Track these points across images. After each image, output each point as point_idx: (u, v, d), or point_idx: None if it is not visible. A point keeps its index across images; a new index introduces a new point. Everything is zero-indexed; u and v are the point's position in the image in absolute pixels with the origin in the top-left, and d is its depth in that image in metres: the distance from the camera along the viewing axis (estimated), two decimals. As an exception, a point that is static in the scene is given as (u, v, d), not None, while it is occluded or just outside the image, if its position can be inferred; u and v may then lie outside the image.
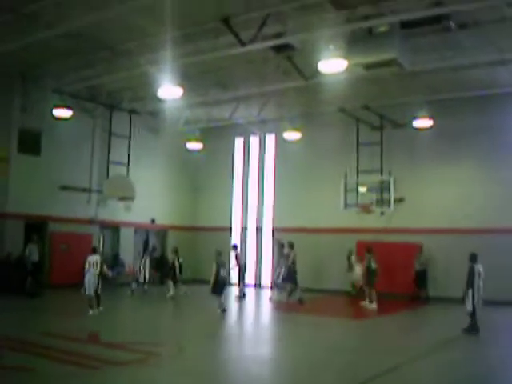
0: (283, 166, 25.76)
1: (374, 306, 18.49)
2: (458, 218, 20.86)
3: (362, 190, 22.29)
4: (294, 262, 19.05)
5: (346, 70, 14.63)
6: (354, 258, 21.25)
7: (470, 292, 13.24)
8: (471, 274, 13.35)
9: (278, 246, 20.17)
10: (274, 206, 26.08)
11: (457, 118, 20.90)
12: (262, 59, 17.11)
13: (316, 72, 16.21)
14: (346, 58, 13.73)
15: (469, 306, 13.26)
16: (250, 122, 24.37)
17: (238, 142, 27.75)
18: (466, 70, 17.45)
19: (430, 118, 19.74)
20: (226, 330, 14.72)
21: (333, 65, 14.00)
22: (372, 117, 22.20)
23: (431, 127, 20.15)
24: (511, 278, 19.34)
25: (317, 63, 14.27)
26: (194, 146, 24.79)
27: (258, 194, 26.85)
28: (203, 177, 28.08)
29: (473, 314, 13.32)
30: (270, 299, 20.52)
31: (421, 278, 20.86)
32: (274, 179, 26.18)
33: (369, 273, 19.02)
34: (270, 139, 26.52)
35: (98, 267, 15.01)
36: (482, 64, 16.78)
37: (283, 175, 25.69)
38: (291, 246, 19.39)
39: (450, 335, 13.39)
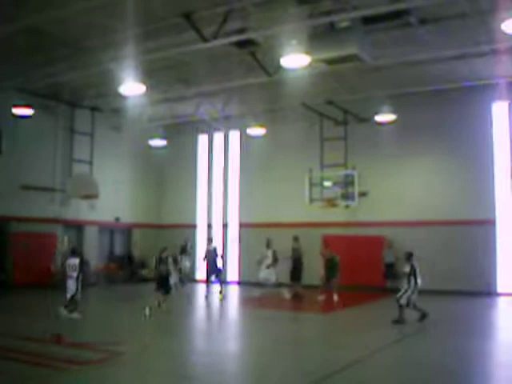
0: (248, 161, 25.76)
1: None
2: (421, 210, 21.27)
3: (327, 184, 22.41)
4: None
5: (309, 65, 14.66)
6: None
7: (406, 287, 13.91)
8: (414, 271, 13.94)
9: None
10: (239, 202, 26.06)
11: (419, 112, 21.17)
12: (225, 55, 17.04)
13: (279, 67, 16.22)
14: (308, 53, 13.76)
15: (403, 300, 13.87)
16: (213, 118, 24.27)
17: (202, 139, 27.65)
18: (427, 65, 17.67)
19: (393, 112, 19.96)
20: (192, 326, 14.68)
21: (295, 60, 14.01)
22: (336, 112, 22.32)
23: (394, 121, 20.38)
24: (471, 269, 19.83)
25: (280, 59, 14.27)
26: (158, 142, 24.61)
27: (223, 190, 26.80)
28: (168, 174, 27.92)
29: (406, 306, 13.90)
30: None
31: (390, 271, 21.13)
32: (239, 175, 26.16)
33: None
34: (235, 135, 26.48)
35: (77, 270, 14.41)
36: (442, 59, 17.02)
37: (248, 171, 25.68)
38: (297, 238, 19.51)
39: (413, 327, 13.62)
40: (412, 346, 11.46)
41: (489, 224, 20.31)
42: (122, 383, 8.64)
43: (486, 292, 19.74)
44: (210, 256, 20.11)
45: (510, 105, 20.57)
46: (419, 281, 13.91)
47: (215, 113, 23.44)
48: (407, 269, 14.00)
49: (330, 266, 18.76)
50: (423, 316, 13.91)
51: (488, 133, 20.79)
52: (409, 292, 13.86)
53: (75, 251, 15.37)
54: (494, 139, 20.78)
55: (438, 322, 13.92)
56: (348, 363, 9.51)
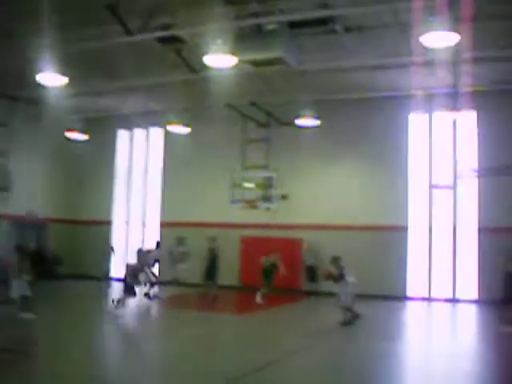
0: (170, 159, 25.48)
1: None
2: (340, 215, 21.71)
3: (249, 185, 22.45)
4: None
5: (235, 66, 14.65)
6: None
7: (339, 290, 14.18)
8: (342, 273, 14.22)
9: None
10: (161, 201, 25.75)
11: (341, 118, 21.61)
12: (151, 50, 16.75)
13: (204, 66, 16.11)
14: (234, 54, 13.74)
15: (344, 299, 14.09)
16: (136, 113, 23.89)
17: (124, 134, 27.14)
18: (350, 73, 18.09)
19: (316, 117, 20.27)
20: (105, 327, 14.37)
21: (221, 60, 13.95)
22: (259, 114, 22.45)
23: (317, 126, 20.71)
24: (384, 274, 20.42)
25: (205, 58, 14.19)
26: (78, 136, 23.95)
27: (143, 187, 26.41)
28: (86, 168, 27.10)
29: (352, 304, 14.18)
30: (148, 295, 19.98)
31: (311, 273, 21.42)
32: (161, 173, 25.84)
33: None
34: (157, 132, 26.15)
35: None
36: (364, 67, 17.48)
37: (170, 169, 25.40)
38: (214, 239, 19.37)
39: (330, 328, 13.87)
40: (326, 348, 11.65)
41: (401, 230, 20.99)
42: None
43: (398, 296, 20.36)
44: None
45: (425, 116, 21.33)
46: (351, 279, 14.13)
47: (138, 108, 23.11)
48: (335, 272, 14.26)
49: (265, 274, 18.86)
50: (349, 322, 14.12)
51: (405, 142, 21.48)
52: (343, 292, 14.09)
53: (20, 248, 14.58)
54: (409, 149, 21.50)
55: (351, 325, 14.20)
56: (263, 364, 9.56)
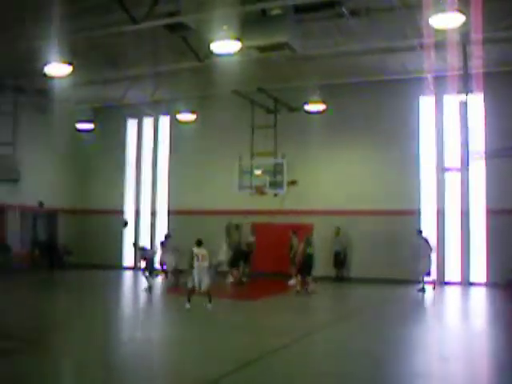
0: (178, 147, 25.39)
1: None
2: (348, 200, 21.59)
3: (257, 172, 22.40)
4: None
5: (241, 52, 14.57)
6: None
7: None
8: None
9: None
10: (168, 189, 25.72)
11: (349, 102, 21.46)
12: (156, 38, 16.72)
13: (211, 53, 16.05)
14: (239, 39, 13.66)
15: None
16: (143, 102, 23.82)
17: (132, 123, 27.06)
18: (357, 57, 17.98)
19: (324, 102, 20.14)
20: (116, 313, 14.44)
21: (226, 46, 13.87)
22: (267, 100, 22.33)
23: (325, 111, 20.57)
24: (388, 259, 20.31)
25: (211, 44, 14.11)
26: (85, 126, 23.92)
27: (152, 176, 26.37)
28: (95, 158, 27.07)
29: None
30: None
31: (338, 259, 21.54)
32: (169, 161, 25.79)
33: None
34: (165, 120, 26.07)
35: (207, 260, 13.83)
36: (372, 51, 17.33)
37: (178, 157, 25.34)
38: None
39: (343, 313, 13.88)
40: (339, 332, 11.67)
41: (414, 214, 20.84)
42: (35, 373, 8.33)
43: (410, 280, 20.16)
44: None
45: (435, 99, 21.13)
46: None
47: (145, 97, 23.05)
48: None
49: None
50: None
51: (416, 125, 21.32)
52: None
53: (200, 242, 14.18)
54: (420, 132, 21.35)
55: (366, 309, 14.17)
56: (274, 348, 9.58)
